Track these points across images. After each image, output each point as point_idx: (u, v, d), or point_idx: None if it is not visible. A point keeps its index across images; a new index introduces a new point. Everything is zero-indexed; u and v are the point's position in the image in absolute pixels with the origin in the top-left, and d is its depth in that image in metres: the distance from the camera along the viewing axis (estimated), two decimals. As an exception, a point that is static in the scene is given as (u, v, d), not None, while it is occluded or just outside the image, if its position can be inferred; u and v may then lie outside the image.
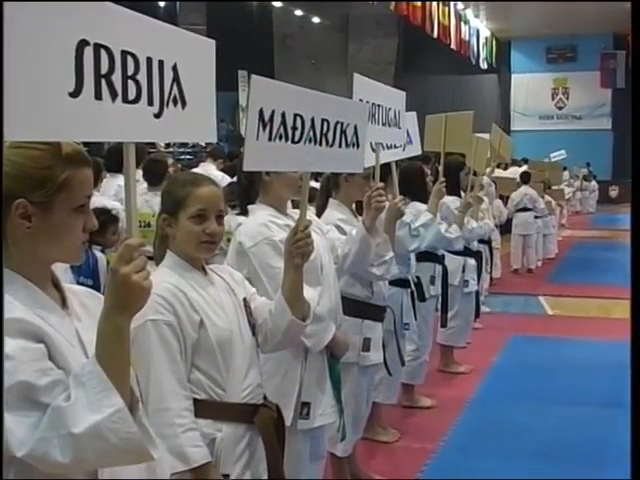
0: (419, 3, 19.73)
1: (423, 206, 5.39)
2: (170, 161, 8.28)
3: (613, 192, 30.69)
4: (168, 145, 17.22)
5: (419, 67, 29.22)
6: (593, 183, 27.68)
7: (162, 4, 24.27)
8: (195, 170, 8.66)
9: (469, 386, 6.58)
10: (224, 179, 7.32)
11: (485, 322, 8.43)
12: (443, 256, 6.04)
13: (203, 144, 16.92)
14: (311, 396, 3.35)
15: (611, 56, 31.23)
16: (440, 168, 5.68)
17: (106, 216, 4.71)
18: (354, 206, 4.23)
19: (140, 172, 6.25)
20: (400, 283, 5.01)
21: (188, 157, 17.07)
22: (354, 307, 4.10)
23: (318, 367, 3.40)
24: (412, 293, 5.17)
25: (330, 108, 2.77)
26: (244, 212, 3.41)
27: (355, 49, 28.13)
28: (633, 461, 2.46)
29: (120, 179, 5.87)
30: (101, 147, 9.45)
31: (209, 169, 8.65)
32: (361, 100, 3.52)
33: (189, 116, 1.83)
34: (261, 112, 2.38)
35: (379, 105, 3.83)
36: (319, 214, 4.11)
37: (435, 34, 21.34)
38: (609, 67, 31.32)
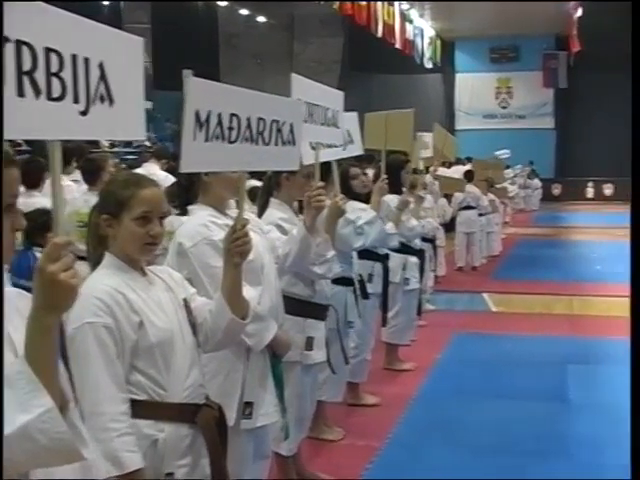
0: (364, 3, 19.76)
1: (359, 204, 5.39)
2: (116, 161, 8.19)
3: (556, 190, 31.18)
4: (113, 145, 17.06)
5: (365, 66, 29.36)
6: (536, 181, 28.07)
7: (106, 3, 24.03)
8: (139, 170, 8.59)
9: (414, 383, 6.63)
10: (168, 179, 7.25)
11: (430, 319, 8.50)
12: (387, 255, 6.06)
13: (148, 144, 16.78)
14: (254, 396, 3.35)
15: (553, 56, 31.70)
16: (382, 166, 5.70)
17: (47, 217, 4.64)
18: (297, 205, 4.23)
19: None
20: (344, 281, 5.02)
21: (133, 157, 16.90)
22: (296, 306, 4.11)
23: (260, 366, 3.40)
24: (355, 291, 5.19)
25: (266, 107, 2.78)
26: (184, 212, 3.40)
27: (300, 48, 28.18)
28: (633, 461, 2.47)
29: (65, 180, 5.80)
30: (45, 147, 9.29)
31: (153, 169, 8.58)
32: (299, 100, 3.52)
33: (117, 114, 1.82)
34: (197, 113, 2.38)
35: (317, 105, 3.83)
36: (261, 213, 4.11)
37: (380, 34, 21.40)
38: (551, 67, 31.78)
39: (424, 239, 7.31)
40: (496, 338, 8.29)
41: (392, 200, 6.21)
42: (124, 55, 1.87)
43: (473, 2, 23.73)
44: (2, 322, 1.53)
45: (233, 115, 2.54)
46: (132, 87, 1.88)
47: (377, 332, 6.63)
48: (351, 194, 5.32)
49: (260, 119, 2.71)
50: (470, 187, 12.47)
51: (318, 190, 3.78)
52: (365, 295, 5.38)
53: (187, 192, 3.39)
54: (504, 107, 32.98)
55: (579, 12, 25.50)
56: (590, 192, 31.17)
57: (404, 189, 6.50)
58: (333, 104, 4.13)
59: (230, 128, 2.53)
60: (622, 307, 9.63)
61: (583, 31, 26.56)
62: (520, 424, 5.72)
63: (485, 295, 10.59)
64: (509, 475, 4.77)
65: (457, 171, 13.69)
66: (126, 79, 1.86)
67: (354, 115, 4.95)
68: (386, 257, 6.06)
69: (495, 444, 5.32)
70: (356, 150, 4.89)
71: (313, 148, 3.80)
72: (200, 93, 2.43)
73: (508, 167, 21.35)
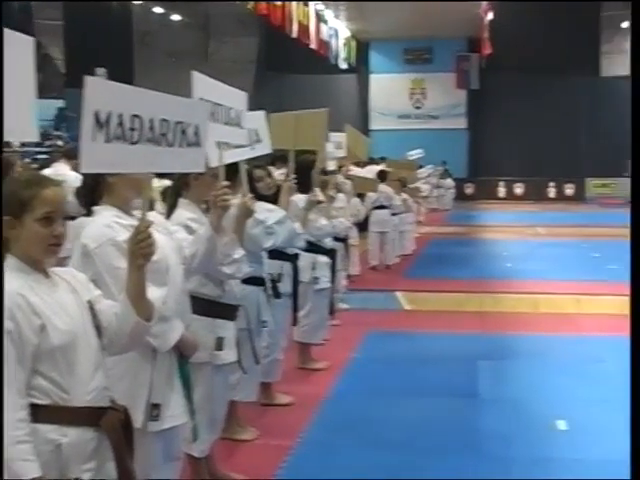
0: (279, 3, 19.77)
1: (267, 205, 5.40)
2: (26, 160, 8.01)
3: (469, 190, 31.73)
4: (23, 144, 16.69)
5: (280, 66, 29.41)
6: (449, 181, 28.50)
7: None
8: (48, 170, 8.44)
9: (327, 382, 6.66)
10: (78, 179, 7.13)
11: (343, 318, 8.56)
12: (296, 254, 6.08)
13: (61, 143, 16.48)
14: (161, 397, 3.32)
15: (465, 58, 32.30)
16: (290, 166, 5.72)
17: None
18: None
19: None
20: (255, 281, 5.03)
21: (44, 157, 16.56)
22: (206, 306, 4.11)
23: (167, 368, 3.37)
24: (267, 291, 5.20)
25: (170, 108, 2.77)
26: (89, 213, 3.36)
27: (215, 47, 28.07)
28: (633, 461, 2.50)
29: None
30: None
31: (63, 169, 8.44)
32: (201, 99, 3.52)
33: (7, 114, 1.79)
34: (97, 114, 2.37)
35: (220, 104, 3.83)
36: (170, 214, 4.09)
37: (295, 34, 21.44)
38: (463, 69, 32.39)
39: (336, 238, 7.34)
40: (409, 336, 8.38)
41: (301, 200, 6.23)
42: (13, 55, 1.83)
43: (387, 3, 23.99)
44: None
45: (135, 116, 2.53)
46: (22, 88, 1.86)
47: (290, 332, 6.65)
48: (257, 195, 5.32)
49: (163, 120, 2.71)
50: (383, 187, 12.57)
51: (223, 190, 3.78)
52: (277, 294, 5.40)
53: (92, 193, 3.35)
54: (418, 107, 33.43)
55: (490, 15, 26.03)
56: (502, 191, 31.83)
57: (316, 189, 6.52)
58: (236, 104, 4.13)
59: (132, 129, 2.52)
60: (531, 303, 9.92)
61: (494, 34, 27.11)
62: (431, 421, 5.80)
63: (398, 294, 10.69)
64: (421, 471, 4.84)
65: (371, 171, 13.78)
66: (16, 80, 1.83)
67: (261, 114, 4.96)
68: (295, 257, 6.08)
69: (407, 441, 5.38)
70: (264, 149, 4.90)
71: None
72: (99, 93, 2.41)
73: (421, 167, 21.61)
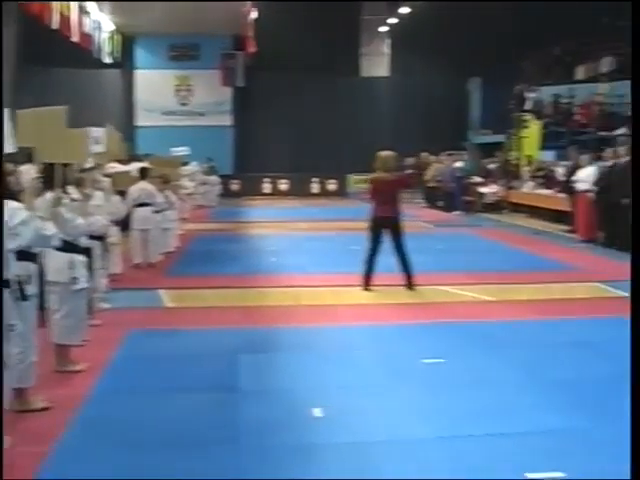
0: (39, -8, 18.98)
1: (14, 204, 5.21)
2: None
3: (234, 186, 31.99)
4: None
5: (40, 59, 28.22)
6: (214, 177, 28.59)
7: None
8: None
9: (86, 384, 6.48)
10: None
11: (104, 318, 8.41)
12: (40, 254, 5.89)
13: None
14: None
15: (230, 56, 32.51)
16: (36, 164, 5.54)
17: None
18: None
19: None
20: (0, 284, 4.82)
21: None
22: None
23: None
24: (14, 293, 5.00)
25: None
26: None
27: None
28: (633, 461, 2.53)
29: None
30: None
31: None
32: None
33: None
34: None
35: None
36: None
37: (56, 25, 20.64)
38: (229, 66, 32.56)
39: (93, 237, 7.19)
40: (171, 334, 8.35)
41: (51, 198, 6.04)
42: None
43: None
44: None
45: None
46: None
47: (47, 334, 6.45)
48: (7, 193, 5.12)
49: None
50: (145, 184, 12.45)
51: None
52: (24, 297, 5.20)
53: None
54: (184, 104, 33.28)
55: (254, 14, 26.40)
56: (267, 187, 32.34)
57: (70, 187, 6.36)
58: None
59: None
60: (293, 296, 10.19)
61: (260, 33, 27.54)
62: (193, 417, 5.81)
63: (161, 291, 10.63)
64: (182, 470, 4.84)
65: (134, 168, 13.59)
66: None
67: (5, 111, 4.77)
68: (38, 256, 5.87)
69: (169, 440, 5.35)
70: (7, 147, 4.73)
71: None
72: None
73: (187, 164, 21.59)
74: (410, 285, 10.62)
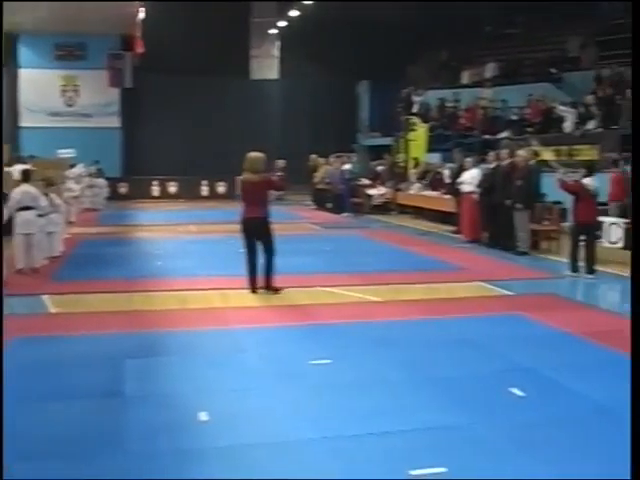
0: None
1: None
2: None
3: (123, 189, 31.51)
4: None
5: None
6: (102, 180, 28.08)
7: None
8: None
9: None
10: None
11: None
12: None
13: None
14: None
15: (118, 56, 31.96)
16: None
17: None
18: None
19: None
20: None
21: None
22: None
23: None
24: None
25: None
26: None
27: None
28: (633, 461, 2.51)
29: None
30: None
31: None
32: None
33: None
34: None
35: None
36: None
37: None
38: (116, 67, 32.01)
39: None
40: (57, 340, 8.20)
41: None
42: None
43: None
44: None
45: None
46: None
47: None
48: None
49: None
50: (27, 187, 12.16)
51: None
52: None
53: None
54: (70, 105, 32.56)
55: (142, 14, 26.07)
56: (156, 190, 31.96)
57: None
58: None
59: None
60: (180, 300, 10.12)
61: (148, 33, 27.22)
62: (78, 424, 5.75)
63: (45, 297, 10.40)
64: (66, 475, 4.82)
65: (17, 170, 13.25)
66: None
67: None
68: None
69: (52, 449, 5.27)
70: None
71: None
72: None
73: (73, 166, 21.19)
74: (269, 288, 10.66)
